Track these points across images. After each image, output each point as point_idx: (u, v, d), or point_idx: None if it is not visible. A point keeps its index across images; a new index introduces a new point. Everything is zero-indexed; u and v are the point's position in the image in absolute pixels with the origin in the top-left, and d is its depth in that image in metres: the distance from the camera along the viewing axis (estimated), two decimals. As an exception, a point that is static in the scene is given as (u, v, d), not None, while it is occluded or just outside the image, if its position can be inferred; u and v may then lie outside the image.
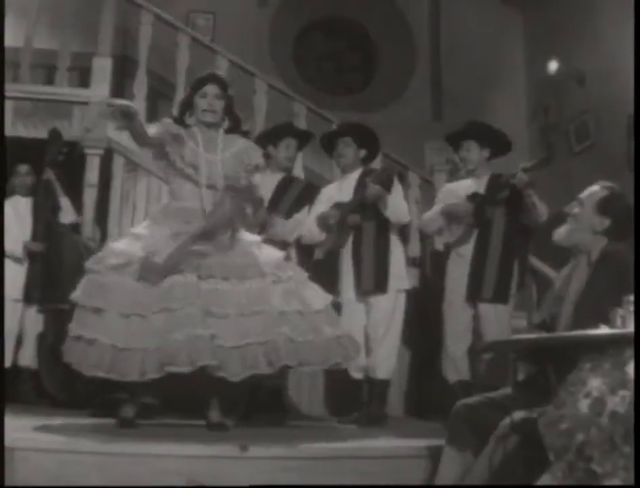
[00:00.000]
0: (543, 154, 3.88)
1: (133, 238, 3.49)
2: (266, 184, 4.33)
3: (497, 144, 4.32)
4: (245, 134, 3.70)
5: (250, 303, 3.30)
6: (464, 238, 4.22)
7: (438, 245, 4.80)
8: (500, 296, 4.13)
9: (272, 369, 3.26)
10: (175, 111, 3.84)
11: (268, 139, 4.43)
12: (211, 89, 3.58)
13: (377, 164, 5.58)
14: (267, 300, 3.34)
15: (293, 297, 3.39)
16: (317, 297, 3.47)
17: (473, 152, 4.30)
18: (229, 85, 3.65)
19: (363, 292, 4.22)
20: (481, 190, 4.25)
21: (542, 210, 4.07)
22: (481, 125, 4.38)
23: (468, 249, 4.21)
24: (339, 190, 4.39)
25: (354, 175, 4.37)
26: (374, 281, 4.19)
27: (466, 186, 4.35)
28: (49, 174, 4.82)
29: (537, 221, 4.11)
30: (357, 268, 4.23)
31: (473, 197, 4.20)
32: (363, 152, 4.41)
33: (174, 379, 3.20)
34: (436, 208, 4.36)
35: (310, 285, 3.51)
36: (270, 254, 3.54)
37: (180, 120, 3.63)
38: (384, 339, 4.20)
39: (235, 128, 3.66)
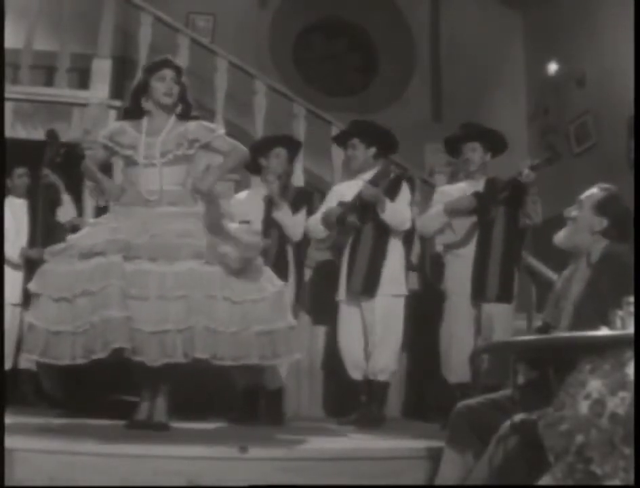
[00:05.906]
0: (549, 153, 3.89)
1: (92, 225, 3.47)
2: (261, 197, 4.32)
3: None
4: (196, 119, 3.58)
5: (174, 287, 3.14)
6: (466, 237, 4.22)
7: (439, 245, 4.78)
8: (504, 296, 4.12)
9: (186, 359, 3.11)
10: (127, 101, 3.70)
11: (258, 151, 4.35)
12: (168, 73, 3.50)
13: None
14: (195, 284, 3.17)
15: (224, 282, 3.21)
16: (255, 284, 3.26)
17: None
18: (183, 73, 3.59)
19: (352, 294, 4.22)
20: (479, 189, 4.24)
21: (540, 210, 4.11)
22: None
23: (468, 250, 4.20)
24: (349, 188, 4.37)
25: (368, 175, 4.34)
26: (363, 284, 4.18)
27: (461, 188, 4.34)
28: (51, 175, 4.79)
29: (534, 221, 4.12)
30: (350, 269, 4.23)
31: (476, 196, 4.19)
32: (372, 150, 4.38)
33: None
34: (438, 207, 4.30)
35: (258, 269, 3.32)
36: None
37: (134, 108, 3.55)
38: (384, 343, 4.19)
39: (186, 114, 3.55)
